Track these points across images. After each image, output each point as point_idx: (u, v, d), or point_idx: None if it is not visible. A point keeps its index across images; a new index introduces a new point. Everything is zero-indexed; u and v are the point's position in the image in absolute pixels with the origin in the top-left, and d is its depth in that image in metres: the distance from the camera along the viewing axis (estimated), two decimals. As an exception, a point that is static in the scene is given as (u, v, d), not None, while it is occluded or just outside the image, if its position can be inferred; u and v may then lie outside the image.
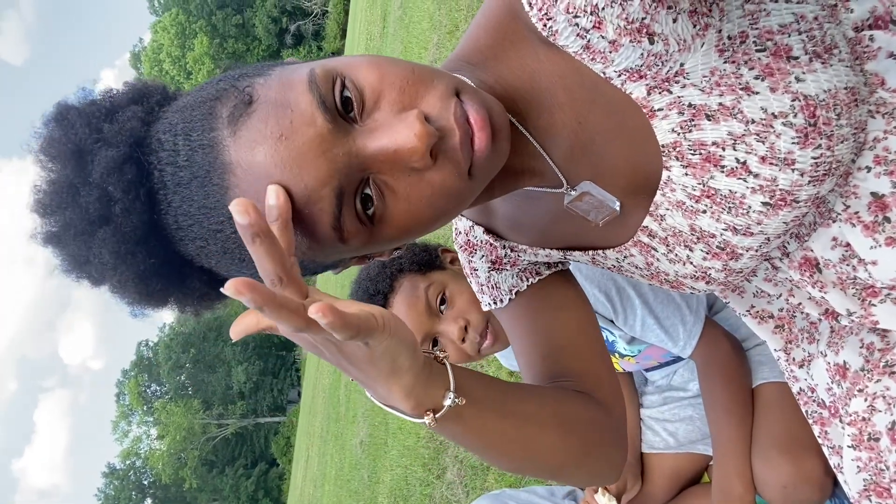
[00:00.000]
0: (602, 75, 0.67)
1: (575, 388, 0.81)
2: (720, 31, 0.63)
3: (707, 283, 0.79)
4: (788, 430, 1.23)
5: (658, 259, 0.79)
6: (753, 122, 0.63)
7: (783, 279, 0.84)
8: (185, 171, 0.58)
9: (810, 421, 0.93)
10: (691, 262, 0.77)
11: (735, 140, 0.65)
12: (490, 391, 0.67)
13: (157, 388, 48.25)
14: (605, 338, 1.41)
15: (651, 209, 0.75)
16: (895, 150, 0.66)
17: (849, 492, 0.85)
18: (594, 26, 0.62)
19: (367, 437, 5.86)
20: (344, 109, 0.59)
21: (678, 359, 1.54)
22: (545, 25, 0.66)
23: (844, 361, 0.83)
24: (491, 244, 0.89)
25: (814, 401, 0.92)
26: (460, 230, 0.92)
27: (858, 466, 0.81)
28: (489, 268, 0.90)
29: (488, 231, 0.89)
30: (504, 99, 0.70)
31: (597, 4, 0.61)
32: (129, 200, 0.58)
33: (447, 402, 0.61)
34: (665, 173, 0.70)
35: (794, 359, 0.94)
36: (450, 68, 0.74)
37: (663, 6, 0.60)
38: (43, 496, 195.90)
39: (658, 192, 0.72)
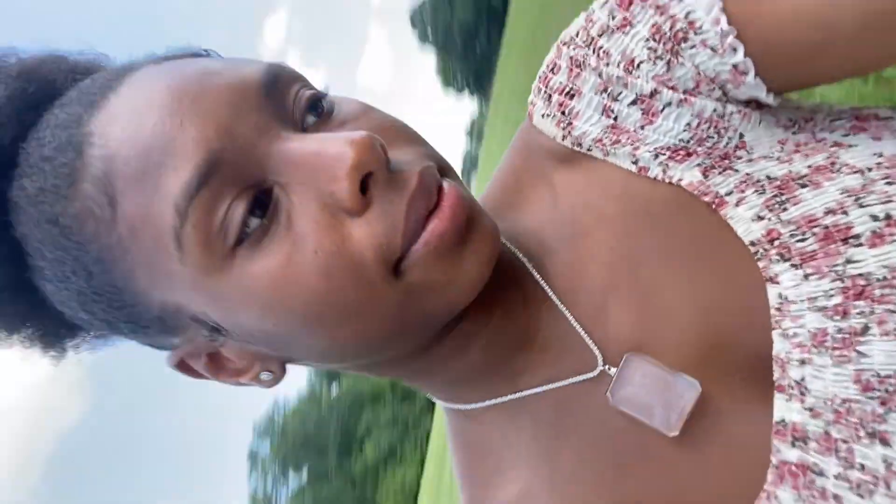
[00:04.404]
0: (633, 167, 0.50)
1: None
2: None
3: None
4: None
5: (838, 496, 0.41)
6: (870, 169, 0.45)
7: None
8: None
9: None
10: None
11: (856, 195, 0.44)
12: None
13: None
14: None
15: (776, 377, 0.44)
16: None
17: None
18: (625, 69, 0.48)
19: None
20: (293, 110, 0.45)
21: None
22: (563, 116, 0.51)
23: None
24: None
25: None
26: None
27: None
28: None
29: None
30: (520, 244, 0.54)
31: (633, 60, 0.48)
32: None
33: None
34: (774, 299, 0.44)
35: None
36: None
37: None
38: None
39: (775, 336, 0.44)
